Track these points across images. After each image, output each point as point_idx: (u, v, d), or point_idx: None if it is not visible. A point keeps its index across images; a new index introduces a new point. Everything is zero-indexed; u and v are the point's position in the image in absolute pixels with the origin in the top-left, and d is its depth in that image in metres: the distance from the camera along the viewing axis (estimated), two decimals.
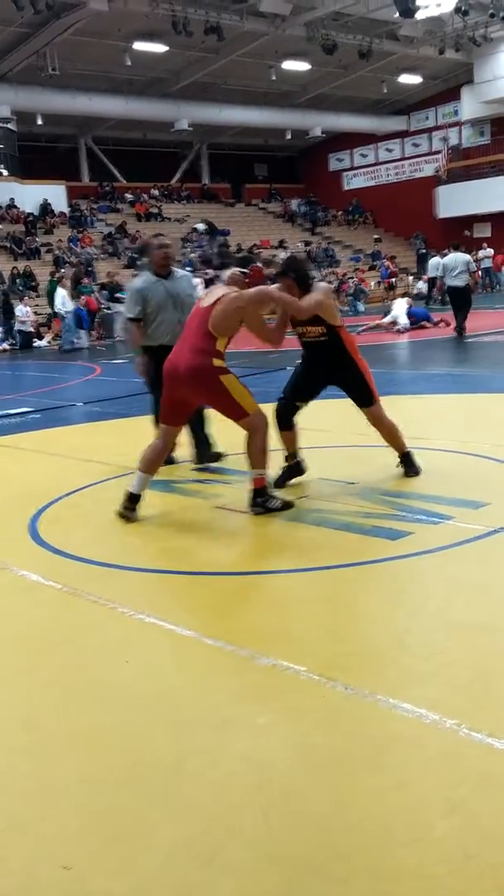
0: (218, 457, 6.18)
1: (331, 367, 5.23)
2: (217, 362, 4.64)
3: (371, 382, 5.28)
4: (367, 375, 5.28)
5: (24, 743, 2.60)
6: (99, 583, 3.88)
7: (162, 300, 5.93)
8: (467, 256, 14.94)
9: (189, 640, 3.20)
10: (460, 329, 14.33)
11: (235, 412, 4.69)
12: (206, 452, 6.20)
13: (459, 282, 14.25)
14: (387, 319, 16.83)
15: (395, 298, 20.11)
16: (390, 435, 5.34)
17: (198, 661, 3.06)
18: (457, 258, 14.46)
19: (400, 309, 17.07)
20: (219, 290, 4.77)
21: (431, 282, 22.83)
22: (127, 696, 2.82)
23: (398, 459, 5.37)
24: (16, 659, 3.22)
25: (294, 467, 5.38)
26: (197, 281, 7.45)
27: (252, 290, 4.72)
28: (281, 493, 4.91)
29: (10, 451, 7.33)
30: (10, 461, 6.98)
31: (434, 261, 23.16)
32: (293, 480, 5.31)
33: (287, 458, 5.36)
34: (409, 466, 5.36)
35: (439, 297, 22.00)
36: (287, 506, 4.75)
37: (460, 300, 14.39)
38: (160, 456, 4.85)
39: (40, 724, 2.69)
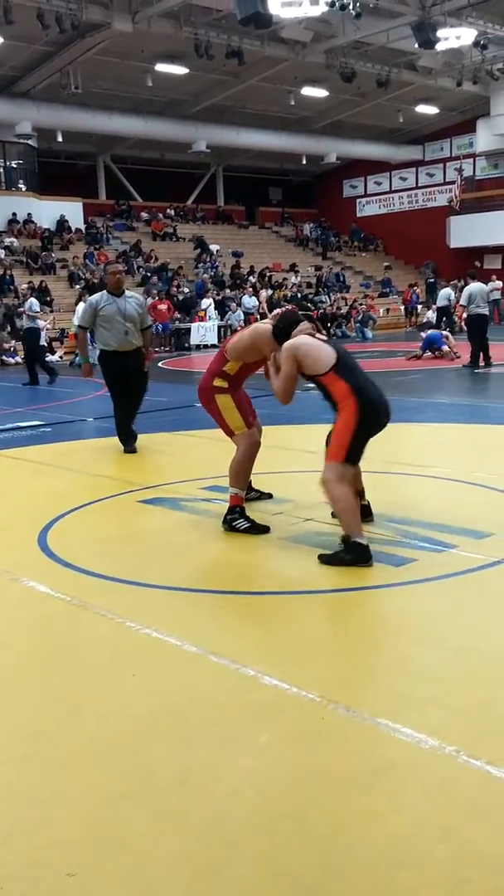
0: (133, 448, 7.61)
1: None
2: (217, 382, 5.06)
3: (343, 441, 4.36)
4: (341, 432, 4.38)
5: (31, 753, 2.65)
6: (107, 597, 3.93)
7: (112, 314, 7.41)
8: (486, 286, 15.26)
9: (195, 657, 3.25)
10: (487, 358, 14.57)
11: (224, 430, 5.12)
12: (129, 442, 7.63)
13: (484, 310, 14.58)
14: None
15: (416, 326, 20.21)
16: (332, 500, 4.43)
17: (203, 678, 3.11)
18: (482, 287, 14.79)
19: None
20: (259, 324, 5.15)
21: (441, 311, 23.02)
22: (132, 709, 2.87)
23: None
24: (23, 670, 3.28)
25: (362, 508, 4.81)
26: (142, 300, 8.39)
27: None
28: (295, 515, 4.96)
29: (22, 463, 7.41)
30: (21, 474, 7.05)
31: (445, 291, 23.41)
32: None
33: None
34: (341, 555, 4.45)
35: (459, 327, 22.36)
36: (258, 530, 4.82)
37: (480, 329, 14.67)
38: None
39: (47, 734, 2.74)
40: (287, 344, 4.57)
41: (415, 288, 28.78)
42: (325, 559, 4.29)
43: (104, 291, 7.64)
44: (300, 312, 4.92)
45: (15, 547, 4.79)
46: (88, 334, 7.73)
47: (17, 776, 2.52)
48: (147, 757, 2.57)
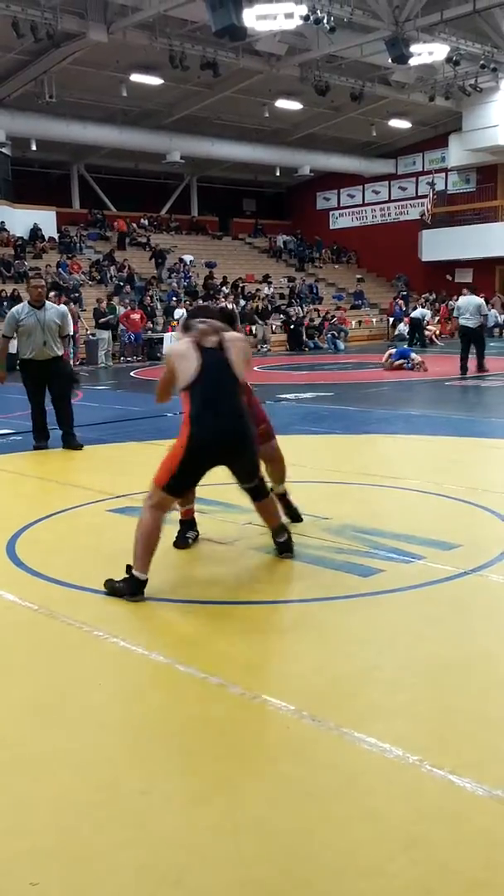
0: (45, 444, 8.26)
1: None
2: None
3: (167, 465, 4.04)
4: (169, 457, 4.07)
5: None
6: (75, 606, 3.92)
7: (31, 325, 7.97)
8: (480, 300, 15.58)
9: (162, 666, 3.26)
10: (480, 367, 15.09)
11: None
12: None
13: (471, 323, 15.00)
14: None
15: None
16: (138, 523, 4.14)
17: (169, 688, 3.11)
18: (470, 301, 15.20)
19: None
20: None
21: (413, 325, 23.45)
22: (99, 719, 2.87)
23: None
24: None
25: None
26: (63, 310, 8.80)
27: None
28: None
29: None
30: None
31: (420, 311, 24.00)
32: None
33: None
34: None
35: (429, 339, 22.70)
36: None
37: (474, 340, 15.21)
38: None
39: (11, 742, 2.73)
40: (166, 348, 4.59)
41: (398, 300, 29.02)
42: (106, 584, 4.02)
43: (25, 303, 8.29)
44: (202, 314, 4.47)
45: None
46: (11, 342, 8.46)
47: None
48: (112, 766, 2.57)
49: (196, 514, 4.96)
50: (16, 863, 2.12)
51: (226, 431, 4.04)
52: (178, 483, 4.09)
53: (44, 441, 8.32)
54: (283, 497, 5.12)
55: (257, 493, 4.39)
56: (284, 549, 4.54)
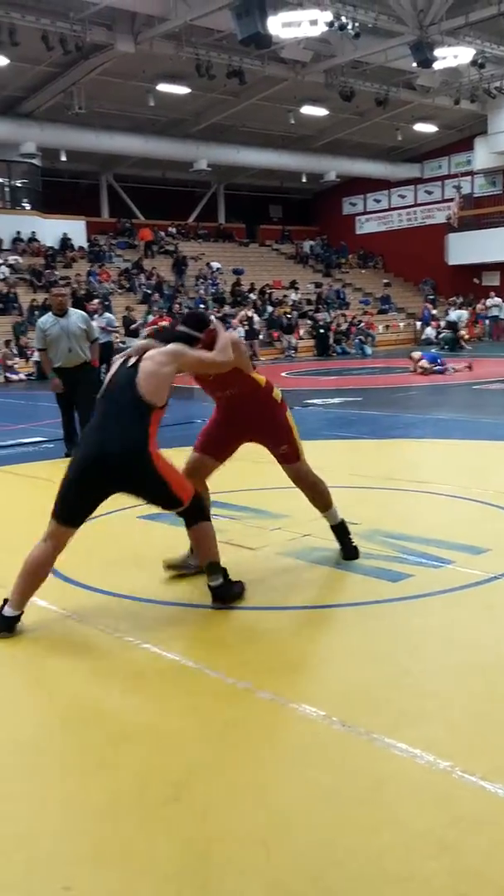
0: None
1: None
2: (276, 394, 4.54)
3: (59, 491, 3.88)
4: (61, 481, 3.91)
5: (27, 764, 2.67)
6: (105, 611, 3.95)
7: (56, 334, 8.07)
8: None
9: (191, 671, 3.27)
10: None
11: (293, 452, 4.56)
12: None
13: None
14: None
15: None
16: None
17: (199, 692, 3.12)
18: None
19: None
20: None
21: (451, 327, 23.53)
22: (129, 723, 2.89)
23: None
24: (21, 683, 3.29)
25: None
26: (86, 315, 8.77)
27: None
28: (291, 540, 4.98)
29: (24, 479, 7.44)
30: (23, 490, 7.08)
31: (457, 313, 24.01)
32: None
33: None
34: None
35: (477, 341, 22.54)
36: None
37: None
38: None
39: (43, 747, 2.76)
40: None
41: (427, 304, 28.94)
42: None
43: (49, 314, 8.30)
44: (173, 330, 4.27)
45: (16, 561, 4.80)
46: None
47: (13, 788, 2.53)
48: (142, 771, 2.58)
49: (225, 520, 4.96)
50: (49, 867, 2.14)
51: (107, 454, 3.70)
52: (65, 509, 3.76)
53: (73, 448, 8.37)
54: (338, 528, 4.60)
55: (186, 517, 3.95)
56: (214, 595, 3.93)
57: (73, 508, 3.79)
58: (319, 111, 27.66)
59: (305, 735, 2.75)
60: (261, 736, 2.77)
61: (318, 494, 4.54)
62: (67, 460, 8.04)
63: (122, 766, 2.61)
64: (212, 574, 3.93)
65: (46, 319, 8.28)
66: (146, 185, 32.58)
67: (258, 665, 3.29)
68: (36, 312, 22.41)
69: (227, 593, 3.95)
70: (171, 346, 3.95)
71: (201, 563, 4.01)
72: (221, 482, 6.75)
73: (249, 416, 4.38)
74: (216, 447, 4.49)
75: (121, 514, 5.85)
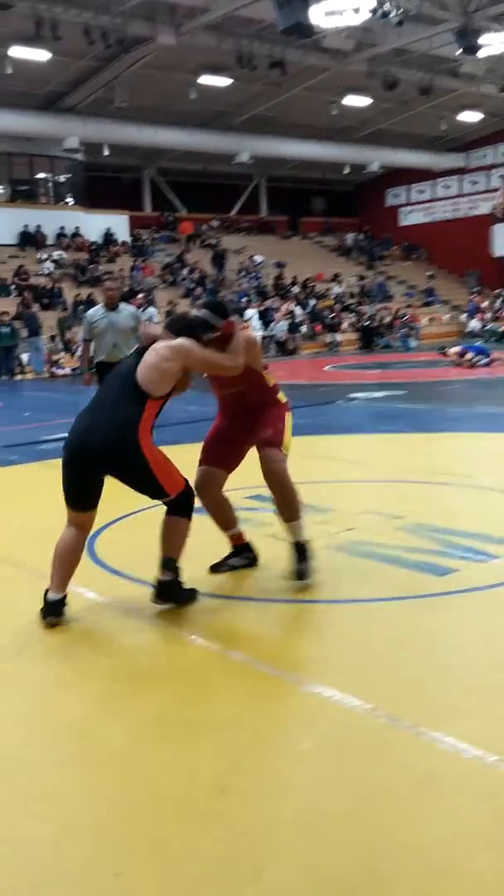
0: None
1: None
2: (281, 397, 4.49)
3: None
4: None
5: (76, 755, 2.72)
6: (152, 604, 3.99)
7: (103, 327, 8.07)
8: None
9: (238, 664, 3.30)
10: None
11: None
12: None
13: None
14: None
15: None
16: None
17: (246, 685, 3.14)
18: None
19: None
20: None
21: None
22: (175, 714, 2.92)
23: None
24: (69, 673, 3.35)
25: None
26: (136, 310, 8.89)
27: None
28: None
29: None
30: None
31: None
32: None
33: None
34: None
35: None
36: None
37: None
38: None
39: (95, 739, 2.81)
40: None
41: (473, 297, 28.63)
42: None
43: (100, 306, 8.40)
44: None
45: None
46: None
47: (63, 778, 2.58)
48: (188, 762, 2.61)
49: (269, 513, 4.94)
50: (100, 854, 2.18)
51: (89, 440, 3.74)
52: (67, 495, 3.84)
53: None
54: (297, 546, 4.20)
55: (169, 507, 3.95)
56: (156, 592, 3.87)
57: (71, 494, 3.86)
58: (362, 101, 27.44)
59: (352, 728, 2.76)
60: (307, 728, 2.78)
61: (285, 498, 4.16)
62: None
63: (169, 757, 2.64)
64: (165, 569, 3.88)
65: (96, 311, 8.35)
66: (188, 179, 32.67)
67: (304, 658, 3.31)
68: (80, 307, 22.68)
69: (173, 593, 3.87)
70: (178, 342, 3.87)
71: (162, 553, 3.92)
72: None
73: (254, 415, 4.24)
74: (222, 458, 4.37)
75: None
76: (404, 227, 35.75)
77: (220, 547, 4.45)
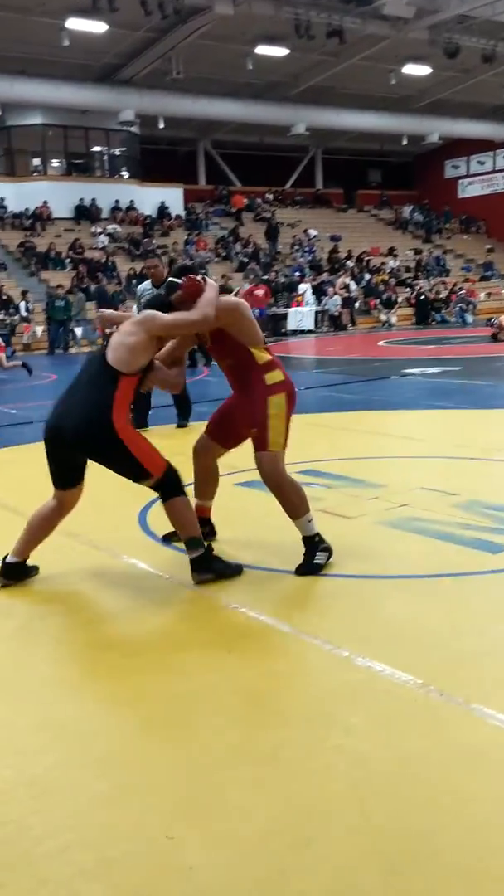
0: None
1: None
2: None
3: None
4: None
5: (130, 720, 2.76)
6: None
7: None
8: None
9: (289, 636, 3.31)
10: None
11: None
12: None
13: None
14: None
15: None
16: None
17: (295, 657, 3.16)
18: None
19: None
20: None
21: None
22: (227, 684, 2.95)
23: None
24: (122, 643, 3.40)
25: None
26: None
27: None
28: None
29: None
30: None
31: None
32: None
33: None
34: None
35: None
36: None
37: None
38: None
39: (147, 703, 2.85)
40: None
41: None
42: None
43: (149, 281, 8.33)
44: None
45: (116, 526, 4.94)
46: None
47: (118, 743, 2.62)
48: (241, 731, 2.64)
49: (321, 489, 4.94)
50: (152, 817, 2.22)
51: (62, 426, 3.77)
52: (50, 473, 3.92)
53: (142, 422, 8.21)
54: (307, 541, 4.01)
55: (160, 492, 3.93)
56: (193, 569, 3.87)
57: (52, 472, 3.92)
58: (422, 70, 26.90)
59: (403, 703, 2.75)
60: (357, 702, 2.78)
61: (282, 499, 4.02)
62: (163, 428, 8.15)
63: (220, 725, 2.67)
64: (191, 549, 3.87)
65: (145, 286, 8.34)
66: (243, 152, 32.48)
67: (355, 633, 3.30)
68: (133, 281, 22.79)
69: (209, 563, 3.87)
70: (141, 315, 3.92)
71: (182, 537, 3.92)
72: (318, 450, 6.76)
73: (244, 396, 4.10)
74: (220, 432, 4.30)
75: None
76: (463, 199, 35.09)
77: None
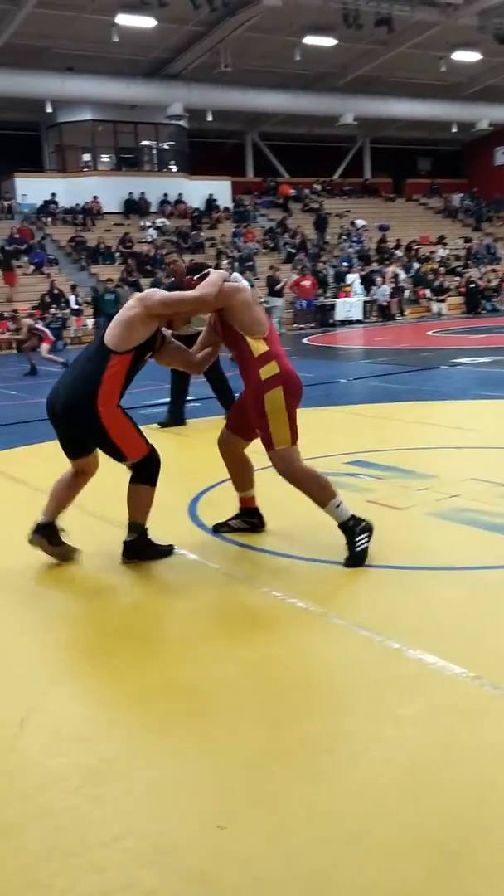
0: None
1: None
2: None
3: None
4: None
5: (181, 709, 2.78)
6: (252, 566, 4.04)
7: None
8: None
9: (340, 628, 3.30)
10: None
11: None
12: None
13: None
14: None
15: None
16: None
17: (348, 649, 3.15)
18: None
19: None
20: None
21: None
22: (280, 676, 2.95)
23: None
24: (174, 633, 3.43)
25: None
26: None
27: None
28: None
29: (174, 436, 7.68)
30: (171, 447, 7.27)
31: None
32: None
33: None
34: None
35: None
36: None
37: None
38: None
39: (201, 694, 2.86)
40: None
41: None
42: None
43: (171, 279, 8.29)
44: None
45: (167, 517, 4.96)
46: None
47: (167, 732, 2.64)
48: (295, 722, 2.64)
49: (370, 479, 4.91)
50: (202, 806, 2.23)
51: (56, 402, 3.95)
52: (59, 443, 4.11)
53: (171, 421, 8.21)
54: (343, 526, 3.96)
55: (133, 472, 4.06)
56: (123, 551, 4.10)
57: (60, 443, 4.10)
58: (472, 56, 26.53)
59: (455, 695, 2.73)
60: (409, 694, 2.77)
61: (305, 491, 4.03)
62: (212, 419, 8.19)
63: (278, 718, 2.67)
64: (130, 531, 4.10)
65: (167, 286, 8.18)
66: (291, 143, 32.38)
67: (407, 624, 3.28)
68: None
69: (138, 551, 4.08)
70: (143, 292, 4.05)
71: (129, 516, 4.09)
72: (368, 441, 6.72)
73: (248, 390, 4.04)
74: (238, 424, 4.28)
75: (262, 472, 5.93)
76: None
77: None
